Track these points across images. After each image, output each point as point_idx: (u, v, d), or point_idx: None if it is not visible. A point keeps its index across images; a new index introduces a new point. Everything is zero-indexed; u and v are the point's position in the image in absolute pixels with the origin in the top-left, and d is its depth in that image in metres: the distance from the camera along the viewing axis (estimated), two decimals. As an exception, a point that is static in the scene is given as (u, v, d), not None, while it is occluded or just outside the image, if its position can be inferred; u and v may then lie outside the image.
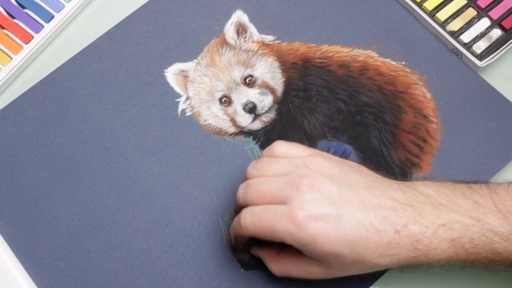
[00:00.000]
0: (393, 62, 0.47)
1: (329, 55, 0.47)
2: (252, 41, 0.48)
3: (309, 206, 0.33)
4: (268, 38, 0.48)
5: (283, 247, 0.38)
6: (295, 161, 0.37)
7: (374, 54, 0.47)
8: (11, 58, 0.49)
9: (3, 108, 0.48)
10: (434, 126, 0.45)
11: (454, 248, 0.34)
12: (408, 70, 0.47)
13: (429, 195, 0.35)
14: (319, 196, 0.34)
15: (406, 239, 0.33)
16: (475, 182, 0.37)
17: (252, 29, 0.49)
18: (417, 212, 0.34)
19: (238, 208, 0.38)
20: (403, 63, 0.47)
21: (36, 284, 0.42)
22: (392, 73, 0.46)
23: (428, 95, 0.46)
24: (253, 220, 0.35)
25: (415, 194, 0.35)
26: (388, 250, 0.33)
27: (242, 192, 0.37)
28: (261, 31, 0.49)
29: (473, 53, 0.47)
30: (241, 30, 0.49)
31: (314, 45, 0.48)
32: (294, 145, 0.38)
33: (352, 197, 0.34)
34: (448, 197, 0.35)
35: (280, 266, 0.38)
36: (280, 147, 0.38)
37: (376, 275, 0.41)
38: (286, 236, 0.34)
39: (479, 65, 0.46)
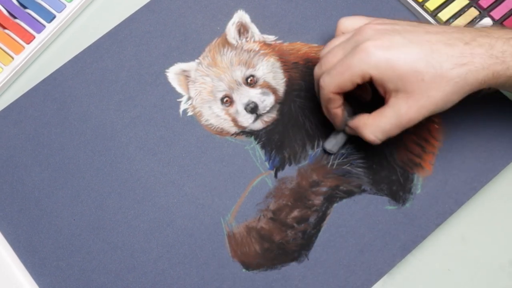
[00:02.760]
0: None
1: (331, 55, 0.47)
2: (254, 41, 0.48)
3: (376, 37, 0.35)
4: (270, 38, 0.48)
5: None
6: (358, 28, 0.38)
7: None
8: (12, 58, 0.50)
9: (4, 108, 0.48)
10: (436, 126, 0.45)
11: None
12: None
13: (494, 26, 0.37)
14: (383, 31, 0.36)
15: (478, 48, 0.34)
16: None
17: (253, 29, 0.49)
18: (483, 31, 0.35)
19: (318, 86, 0.39)
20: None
21: (38, 283, 0.42)
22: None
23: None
24: (330, 74, 0.37)
25: (479, 27, 0.36)
26: (463, 59, 0.34)
27: (318, 65, 0.39)
28: (262, 31, 0.49)
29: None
30: (242, 30, 0.49)
31: (316, 45, 0.48)
32: (357, 16, 0.41)
33: (416, 28, 0.36)
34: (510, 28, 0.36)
35: (372, 125, 0.38)
36: (345, 21, 0.41)
37: (378, 273, 0.41)
38: (363, 67, 0.35)
39: (481, 65, 0.46)
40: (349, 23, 0.40)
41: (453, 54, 0.34)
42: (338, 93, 0.38)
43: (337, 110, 0.40)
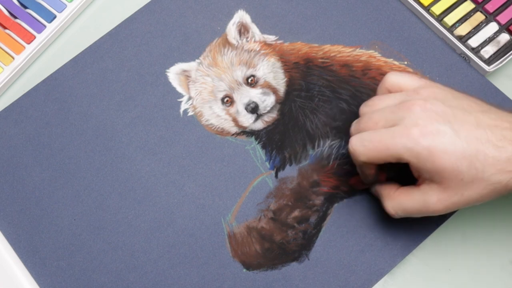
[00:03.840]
0: (396, 62, 0.47)
1: (332, 55, 0.47)
2: (254, 41, 0.48)
3: (423, 123, 0.33)
4: (270, 38, 0.48)
5: (400, 187, 0.38)
6: (407, 91, 0.37)
7: (376, 53, 0.47)
8: (13, 58, 0.50)
9: (5, 108, 0.48)
10: None
11: None
12: (410, 70, 0.46)
13: None
14: (433, 115, 0.34)
15: None
16: None
17: (254, 29, 0.49)
18: None
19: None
20: (406, 62, 0.47)
21: (38, 283, 0.42)
22: (395, 73, 0.46)
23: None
24: (363, 143, 0.35)
25: None
26: (508, 166, 0.33)
27: (355, 125, 0.38)
28: (263, 31, 0.49)
29: (481, 58, 0.47)
30: (243, 30, 0.49)
31: (316, 45, 0.48)
32: (406, 75, 0.39)
33: (467, 118, 0.34)
34: None
35: (395, 201, 0.37)
36: (392, 77, 0.38)
37: (379, 273, 0.41)
38: (403, 152, 0.34)
39: (487, 70, 0.46)
40: (397, 80, 0.38)
41: (500, 159, 0.32)
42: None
43: (369, 171, 0.38)
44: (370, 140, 0.35)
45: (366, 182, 0.41)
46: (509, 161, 0.33)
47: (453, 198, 0.34)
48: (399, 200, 0.37)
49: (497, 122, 0.34)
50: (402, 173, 0.39)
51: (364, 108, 0.38)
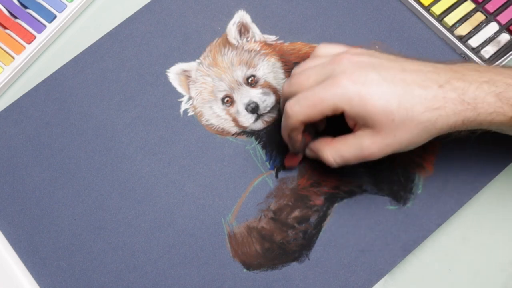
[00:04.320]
0: (396, 62, 0.47)
1: (332, 55, 0.47)
2: (255, 41, 0.48)
3: (351, 71, 0.35)
4: (271, 38, 0.48)
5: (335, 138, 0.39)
6: (337, 53, 0.38)
7: (376, 54, 0.47)
8: (13, 58, 0.50)
9: (5, 108, 0.48)
10: None
11: (501, 102, 0.34)
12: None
13: (469, 64, 0.36)
14: (360, 64, 0.35)
15: (451, 93, 0.34)
16: None
17: (254, 29, 0.49)
18: (459, 73, 0.35)
19: (283, 105, 0.39)
20: (406, 63, 0.47)
21: (39, 283, 0.42)
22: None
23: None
24: (299, 102, 0.36)
25: (457, 64, 0.36)
26: (435, 103, 0.34)
27: (286, 82, 0.39)
28: (263, 31, 0.49)
29: (481, 58, 0.47)
30: (243, 30, 0.49)
31: (317, 45, 0.48)
32: (335, 44, 0.40)
33: (393, 64, 0.36)
34: (489, 67, 0.36)
35: (333, 149, 0.38)
36: (322, 48, 0.40)
37: (379, 273, 0.41)
38: (336, 101, 0.35)
39: (488, 70, 0.46)
40: (327, 50, 0.40)
41: (426, 97, 0.34)
42: (304, 125, 0.38)
43: (298, 136, 0.39)
44: (305, 98, 0.36)
45: (296, 149, 0.41)
46: (436, 99, 0.34)
47: (387, 140, 0.35)
48: (336, 147, 0.38)
49: (421, 67, 0.35)
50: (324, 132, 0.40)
51: (296, 69, 0.39)
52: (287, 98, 0.38)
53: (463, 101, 0.34)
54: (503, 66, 0.37)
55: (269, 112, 0.46)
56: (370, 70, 0.35)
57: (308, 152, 0.42)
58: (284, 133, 0.40)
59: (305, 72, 0.38)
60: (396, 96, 0.34)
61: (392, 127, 0.35)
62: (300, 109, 0.36)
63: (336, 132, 0.39)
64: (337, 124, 0.39)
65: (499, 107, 0.34)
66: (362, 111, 0.34)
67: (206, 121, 0.46)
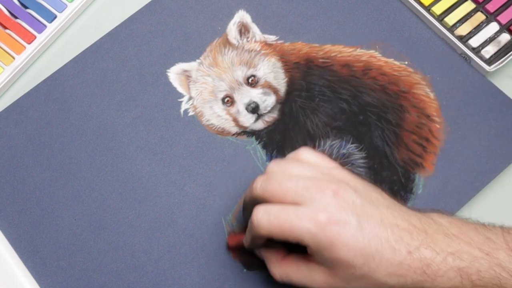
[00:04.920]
0: (396, 62, 0.47)
1: (332, 55, 0.47)
2: (255, 41, 0.48)
3: (332, 210, 0.33)
4: (271, 38, 0.48)
5: (289, 253, 0.37)
6: (321, 169, 0.36)
7: (377, 53, 0.47)
8: (13, 58, 0.50)
9: (5, 108, 0.48)
10: (437, 126, 0.45)
11: (461, 278, 0.33)
12: (411, 69, 0.47)
13: (442, 224, 0.35)
14: (343, 203, 0.34)
15: (417, 262, 0.33)
16: (488, 224, 0.36)
17: (254, 29, 0.49)
18: (429, 238, 0.34)
19: (250, 201, 0.37)
20: (406, 62, 0.47)
21: (39, 283, 0.42)
22: (395, 73, 0.46)
23: (431, 95, 0.46)
24: (269, 218, 0.34)
25: (429, 221, 0.35)
26: (398, 270, 0.33)
27: (262, 184, 0.36)
28: (263, 31, 0.49)
29: (481, 58, 0.47)
30: (243, 30, 0.49)
31: (317, 45, 0.48)
32: (320, 155, 0.38)
33: (373, 212, 0.34)
34: (461, 229, 0.35)
35: (282, 269, 0.37)
36: (306, 153, 0.38)
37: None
38: (306, 236, 0.33)
39: (488, 70, 0.46)
40: (308, 159, 0.37)
41: (393, 262, 0.33)
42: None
43: (260, 242, 0.38)
44: (276, 216, 0.34)
45: (249, 248, 0.40)
46: (400, 265, 0.33)
47: (339, 284, 0.35)
48: (286, 269, 0.37)
49: (398, 221, 0.34)
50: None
51: (274, 167, 0.37)
52: (256, 197, 0.36)
53: (424, 273, 0.33)
54: (479, 226, 0.35)
55: (269, 112, 0.46)
56: (351, 213, 0.33)
57: (257, 253, 0.40)
58: (247, 232, 0.38)
59: (284, 184, 0.35)
60: (365, 254, 0.33)
61: (349, 278, 0.34)
62: (267, 225, 0.34)
63: None
64: None
65: (458, 282, 0.33)
66: (327, 256, 0.33)
67: (207, 121, 0.46)
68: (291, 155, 0.38)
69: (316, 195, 0.34)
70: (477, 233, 0.34)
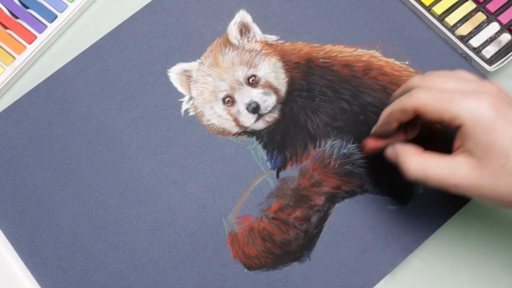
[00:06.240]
0: (397, 62, 0.47)
1: (333, 55, 0.47)
2: (255, 41, 0.48)
3: (497, 98, 0.32)
4: (271, 38, 0.48)
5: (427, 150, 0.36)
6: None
7: (377, 53, 0.47)
8: (14, 58, 0.50)
9: (6, 108, 0.48)
10: (437, 125, 0.45)
11: None
12: (411, 69, 0.46)
13: None
14: (505, 98, 0.33)
15: None
16: None
17: (255, 29, 0.49)
18: None
19: (403, 92, 0.36)
20: (407, 62, 0.47)
21: (39, 283, 0.42)
22: (396, 73, 0.46)
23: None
24: (430, 92, 0.33)
25: None
26: None
27: (419, 77, 0.36)
28: (264, 31, 0.49)
29: (482, 58, 0.47)
30: (244, 30, 0.49)
31: (318, 45, 0.48)
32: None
33: None
34: None
35: (420, 160, 0.34)
36: (462, 72, 0.37)
37: (380, 273, 0.41)
38: (466, 111, 0.32)
39: (489, 70, 0.46)
40: (466, 75, 0.36)
41: None
42: (415, 113, 0.35)
43: (395, 122, 0.36)
44: (438, 91, 0.33)
45: (378, 131, 0.38)
46: None
47: (483, 180, 0.32)
48: (426, 160, 0.34)
49: None
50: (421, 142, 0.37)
51: (431, 72, 0.36)
52: (408, 89, 0.35)
53: None
54: None
55: (270, 112, 0.46)
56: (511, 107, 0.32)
57: (389, 151, 0.38)
58: (388, 109, 0.36)
59: (444, 76, 0.34)
60: None
61: (497, 171, 0.31)
62: (425, 97, 0.33)
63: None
64: (426, 141, 0.36)
65: None
66: (482, 137, 0.32)
67: (207, 121, 0.46)
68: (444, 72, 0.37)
69: (480, 86, 0.33)
70: None
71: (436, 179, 0.33)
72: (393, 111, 0.36)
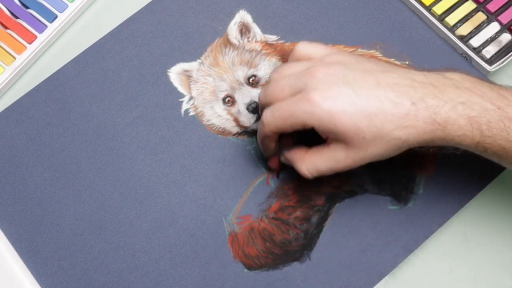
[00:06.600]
0: (397, 62, 0.47)
1: (333, 54, 0.47)
2: (256, 41, 0.48)
3: (324, 87, 0.35)
4: (272, 38, 0.48)
5: (309, 148, 0.38)
6: (314, 59, 0.38)
7: (378, 53, 0.47)
8: (14, 58, 0.50)
9: (6, 108, 0.48)
10: None
11: (471, 126, 0.34)
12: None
13: (453, 79, 0.35)
14: (333, 79, 0.35)
15: (424, 111, 0.33)
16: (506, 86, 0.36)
17: (255, 29, 0.49)
18: (437, 90, 0.34)
19: (262, 112, 0.39)
20: (407, 62, 0.47)
21: (40, 283, 0.42)
22: (396, 73, 0.46)
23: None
24: (273, 113, 0.36)
25: (438, 77, 0.35)
26: (406, 122, 0.34)
27: (263, 92, 0.38)
28: (264, 31, 0.49)
29: (482, 58, 0.47)
30: (244, 30, 0.49)
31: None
32: (315, 43, 0.39)
33: (368, 78, 0.35)
34: (473, 84, 0.35)
35: (308, 162, 0.38)
36: (301, 46, 0.39)
37: (381, 273, 0.41)
38: (306, 118, 0.35)
39: (489, 69, 0.46)
40: (306, 51, 0.39)
41: (398, 115, 0.33)
42: (278, 133, 0.38)
43: (271, 144, 0.40)
44: (278, 110, 0.36)
45: (267, 154, 0.42)
46: (407, 117, 0.34)
47: (359, 153, 0.35)
48: (311, 161, 0.38)
49: (398, 80, 0.35)
50: (306, 136, 0.40)
51: (274, 74, 0.39)
52: (263, 106, 0.38)
53: (434, 121, 0.33)
54: (494, 85, 0.35)
55: (270, 112, 0.46)
56: (343, 85, 0.34)
57: (282, 159, 0.42)
58: (258, 138, 0.40)
59: (280, 83, 0.37)
60: (368, 115, 0.34)
61: (363, 143, 0.35)
62: (272, 120, 0.36)
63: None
64: None
65: (468, 131, 0.34)
66: (332, 129, 0.34)
67: (207, 121, 0.46)
68: (290, 57, 0.40)
69: (307, 80, 0.35)
70: (490, 89, 0.35)
71: (328, 170, 0.37)
72: (262, 140, 0.40)
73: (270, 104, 0.37)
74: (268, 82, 0.39)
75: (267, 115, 0.37)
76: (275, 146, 0.40)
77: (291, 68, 0.38)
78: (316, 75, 0.35)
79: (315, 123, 0.35)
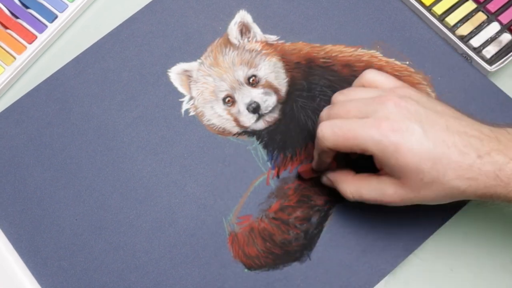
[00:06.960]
0: (397, 62, 0.47)
1: (333, 54, 0.47)
2: (256, 41, 0.48)
3: (395, 118, 0.34)
4: (272, 38, 0.48)
5: (357, 173, 0.38)
6: (384, 88, 0.37)
7: (378, 53, 0.47)
8: (14, 58, 0.50)
9: (6, 108, 0.48)
10: None
11: None
12: (412, 70, 0.46)
13: None
14: (405, 113, 0.34)
15: (488, 166, 0.33)
16: None
17: (255, 29, 0.49)
18: (502, 145, 0.33)
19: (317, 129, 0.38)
20: (407, 63, 0.47)
21: (40, 283, 0.42)
22: (396, 73, 0.46)
23: (433, 95, 0.46)
24: (334, 129, 0.35)
25: (502, 131, 0.35)
26: (469, 173, 0.33)
27: (327, 111, 0.38)
28: (264, 31, 0.49)
29: (482, 58, 0.47)
30: (244, 30, 0.49)
31: (318, 44, 0.48)
32: (384, 74, 0.39)
33: (438, 120, 0.34)
34: None
35: (353, 185, 0.37)
36: (369, 74, 0.39)
37: (381, 273, 0.41)
38: (370, 144, 0.34)
39: (489, 69, 0.46)
40: (374, 78, 0.38)
41: (462, 165, 0.33)
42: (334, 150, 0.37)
43: (327, 159, 0.39)
44: (340, 127, 0.35)
45: (318, 169, 0.41)
46: (470, 169, 0.33)
47: (410, 194, 0.35)
48: (357, 185, 0.37)
49: (466, 129, 0.34)
50: (351, 163, 0.40)
51: (339, 97, 0.38)
52: (321, 123, 0.37)
53: (497, 177, 0.33)
54: None
55: (270, 112, 0.46)
56: (414, 121, 0.34)
57: (324, 180, 0.41)
58: (314, 151, 0.40)
59: (346, 105, 0.36)
60: (432, 158, 0.33)
61: (419, 185, 0.34)
62: (330, 136, 0.35)
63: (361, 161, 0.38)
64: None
65: None
66: (393, 163, 0.34)
67: (207, 121, 0.46)
68: (356, 81, 0.39)
69: (378, 107, 0.35)
70: None
71: (371, 199, 0.37)
72: (319, 154, 0.39)
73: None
74: (331, 103, 0.38)
75: (326, 129, 0.36)
76: (330, 162, 0.39)
77: (359, 93, 0.37)
78: (388, 104, 0.34)
79: (378, 152, 0.34)
